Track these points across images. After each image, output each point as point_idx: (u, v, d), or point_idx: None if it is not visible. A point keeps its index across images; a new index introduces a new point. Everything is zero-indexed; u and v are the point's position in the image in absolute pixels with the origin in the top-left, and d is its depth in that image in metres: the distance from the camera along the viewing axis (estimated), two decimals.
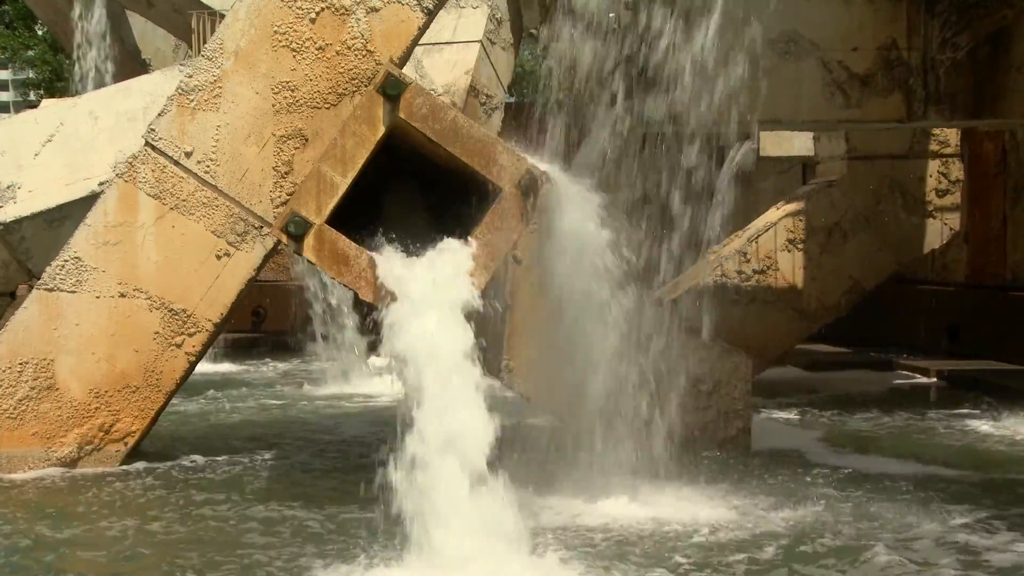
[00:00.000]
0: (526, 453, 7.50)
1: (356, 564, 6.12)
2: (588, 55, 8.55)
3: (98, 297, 8.79)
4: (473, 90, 17.46)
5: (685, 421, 8.95)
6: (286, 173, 8.69)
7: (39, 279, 8.98)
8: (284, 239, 7.38)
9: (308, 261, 7.41)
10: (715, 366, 9.34)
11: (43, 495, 8.02)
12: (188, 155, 8.75)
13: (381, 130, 7.45)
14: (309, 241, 7.30)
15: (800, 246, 13.48)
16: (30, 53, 45.26)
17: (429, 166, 8.10)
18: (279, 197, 8.69)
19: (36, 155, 13.50)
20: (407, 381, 6.51)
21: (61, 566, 6.36)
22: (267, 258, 8.93)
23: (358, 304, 14.21)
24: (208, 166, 8.75)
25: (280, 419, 11.53)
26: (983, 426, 10.82)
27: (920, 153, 13.80)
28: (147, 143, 8.83)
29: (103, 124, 13.55)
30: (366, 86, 8.39)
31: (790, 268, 13.46)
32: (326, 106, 8.66)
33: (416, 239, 7.13)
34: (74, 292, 8.77)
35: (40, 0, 21.73)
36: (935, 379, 14.17)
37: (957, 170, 13.92)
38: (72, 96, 16.86)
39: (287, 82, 8.66)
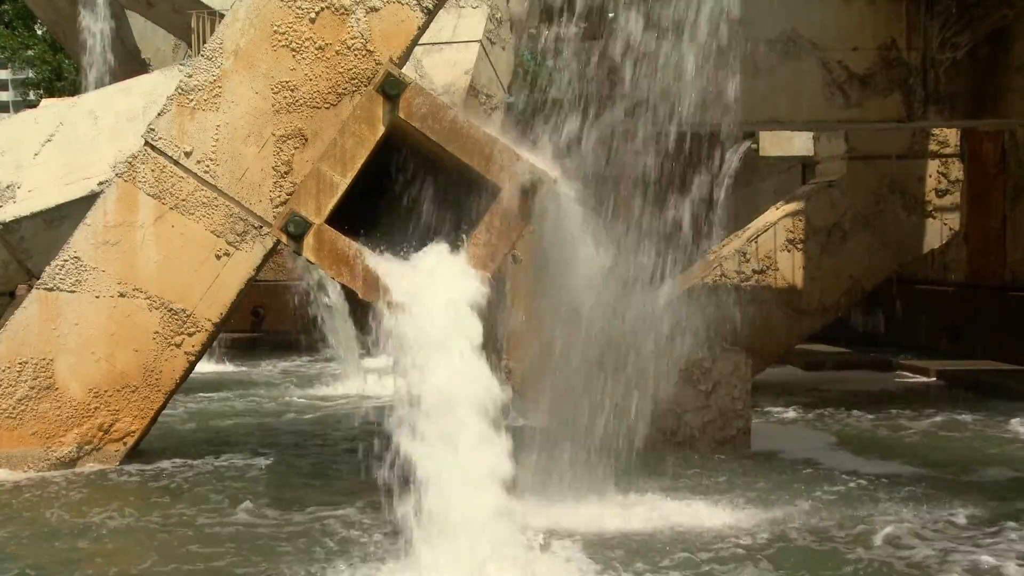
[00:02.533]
0: (525, 453, 7.50)
1: (355, 565, 6.12)
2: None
3: (98, 297, 8.78)
4: (473, 90, 17.45)
5: (685, 421, 8.95)
6: (286, 173, 8.69)
7: (39, 279, 8.98)
8: (284, 239, 7.37)
9: (308, 261, 7.40)
10: (715, 366, 9.33)
11: (39, 494, 8.02)
12: (188, 155, 8.75)
13: (381, 130, 7.44)
14: (309, 241, 7.29)
15: (800, 246, 13.48)
16: (30, 53, 45.25)
17: (429, 165, 8.08)
18: (279, 197, 8.69)
19: (36, 155, 13.49)
20: (406, 380, 6.50)
21: (51, 565, 6.37)
22: (267, 258, 8.93)
23: (356, 304, 14.21)
24: (208, 166, 8.75)
25: (278, 420, 11.53)
26: (983, 426, 10.82)
27: (920, 153, 13.80)
28: (147, 143, 8.83)
29: (103, 124, 13.54)
30: (366, 86, 8.39)
31: (790, 268, 13.46)
32: (326, 106, 8.65)
33: (416, 239, 7.12)
34: (74, 292, 8.77)
35: (40, 0, 21.72)
36: (935, 379, 14.16)
37: (957, 170, 13.92)
38: (72, 96, 16.87)
39: (287, 82, 8.66)
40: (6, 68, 61.11)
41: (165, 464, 8.89)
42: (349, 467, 8.69)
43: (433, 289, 6.74)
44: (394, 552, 6.12)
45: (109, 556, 6.53)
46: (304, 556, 6.41)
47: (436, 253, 7.01)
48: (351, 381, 14.11)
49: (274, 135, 8.70)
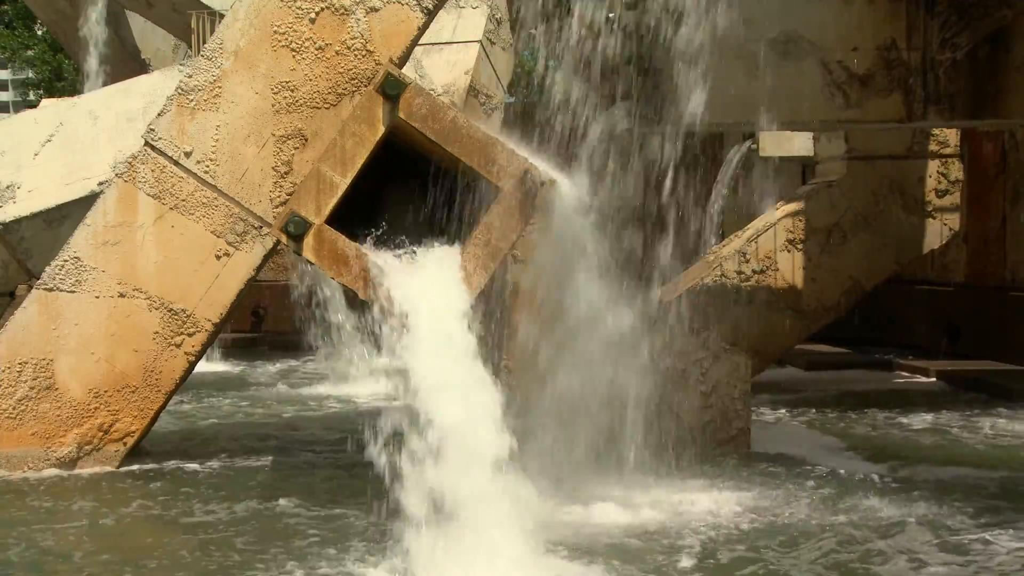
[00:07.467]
0: (524, 453, 7.50)
1: (354, 566, 6.12)
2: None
3: (97, 297, 8.79)
4: (473, 90, 17.46)
5: (684, 421, 8.95)
6: (286, 173, 8.69)
7: (39, 279, 8.98)
8: (284, 239, 7.38)
9: (307, 261, 7.41)
10: (714, 366, 9.33)
11: (40, 494, 8.02)
12: (188, 155, 8.75)
13: (381, 130, 7.46)
14: (309, 241, 7.30)
15: (800, 246, 13.48)
16: (30, 53, 45.29)
17: (429, 165, 8.09)
18: (279, 197, 8.69)
19: (36, 155, 13.50)
20: (407, 380, 6.51)
21: (50, 565, 6.37)
22: (267, 258, 8.93)
23: (356, 304, 14.22)
24: (208, 166, 8.75)
25: (278, 420, 11.53)
26: (982, 426, 10.82)
27: (920, 153, 13.79)
28: (147, 143, 8.83)
29: (103, 124, 13.54)
30: (366, 86, 8.39)
31: (790, 268, 13.46)
32: (326, 106, 8.65)
33: (416, 238, 7.13)
34: (73, 292, 8.77)
35: (40, 0, 21.73)
36: (935, 379, 14.16)
37: (957, 170, 13.91)
38: (72, 96, 16.87)
39: (287, 82, 8.66)
40: (6, 68, 61.14)
41: (165, 464, 8.89)
42: (349, 465, 8.68)
43: (433, 290, 6.75)
44: (401, 550, 6.14)
45: (106, 556, 6.54)
46: (305, 555, 6.42)
47: (436, 253, 7.02)
48: (353, 381, 14.10)
49: (274, 135, 8.70)
